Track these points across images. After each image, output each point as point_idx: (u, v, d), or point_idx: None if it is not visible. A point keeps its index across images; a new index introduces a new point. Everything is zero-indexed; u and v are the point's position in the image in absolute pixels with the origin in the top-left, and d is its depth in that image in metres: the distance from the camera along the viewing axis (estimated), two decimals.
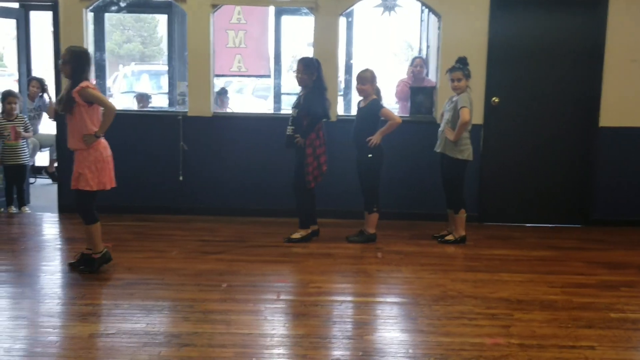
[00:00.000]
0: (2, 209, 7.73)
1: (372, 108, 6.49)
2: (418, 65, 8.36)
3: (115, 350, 4.03)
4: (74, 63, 5.28)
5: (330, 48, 7.49)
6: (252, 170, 7.58)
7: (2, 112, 7.67)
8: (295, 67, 6.50)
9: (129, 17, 25.73)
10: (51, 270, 5.58)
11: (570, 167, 7.58)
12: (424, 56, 9.35)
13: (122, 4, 9.21)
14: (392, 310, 4.82)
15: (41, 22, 16.83)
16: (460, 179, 6.59)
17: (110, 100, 5.99)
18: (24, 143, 7.79)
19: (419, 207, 7.63)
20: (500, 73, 7.42)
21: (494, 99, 7.46)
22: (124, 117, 7.67)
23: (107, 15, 10.03)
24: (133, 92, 15.31)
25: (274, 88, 10.49)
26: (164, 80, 18.79)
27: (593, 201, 7.58)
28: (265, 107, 14.30)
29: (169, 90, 10.70)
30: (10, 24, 8.49)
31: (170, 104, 9.97)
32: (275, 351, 4.10)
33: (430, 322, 4.58)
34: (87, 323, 4.46)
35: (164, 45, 16.42)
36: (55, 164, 9.49)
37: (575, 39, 7.44)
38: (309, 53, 7.62)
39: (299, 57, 6.56)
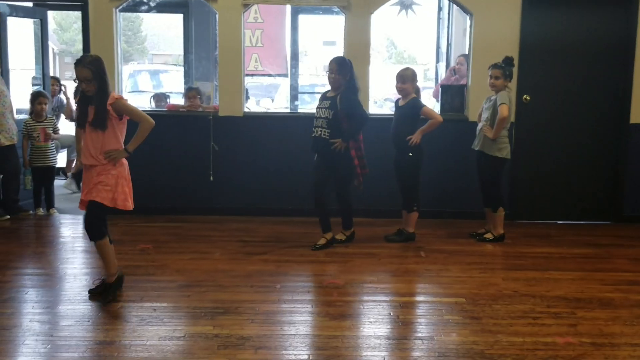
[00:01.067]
0: (31, 211, 7.63)
1: (412, 107, 6.44)
2: (460, 63, 8.34)
3: (191, 354, 3.99)
4: (100, 75, 4.61)
5: (362, 47, 7.47)
6: (283, 170, 7.53)
7: (31, 113, 7.57)
8: (328, 67, 6.20)
9: (124, 17, 25.47)
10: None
11: (602, 164, 7.60)
12: (452, 55, 9.36)
13: (143, 4, 9.10)
14: (454, 310, 4.79)
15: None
16: (498, 177, 6.59)
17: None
18: (52, 144, 7.70)
19: (452, 205, 7.62)
20: (531, 71, 7.42)
21: (525, 96, 7.46)
22: (155, 117, 7.62)
23: None
24: (139, 91, 15.24)
25: (291, 87, 10.45)
26: (164, 79, 18.76)
27: (624, 198, 7.60)
28: (272, 105, 14.25)
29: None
30: (29, 24, 8.39)
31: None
32: (351, 353, 4.06)
33: (496, 322, 4.56)
34: (153, 326, 4.41)
35: (148, 44, 16.40)
36: (74, 165, 9.43)
37: (606, 36, 7.45)
38: (331, 52, 7.58)
39: (331, 58, 6.25)
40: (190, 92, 8.04)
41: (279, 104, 14.00)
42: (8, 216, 7.33)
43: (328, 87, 6.35)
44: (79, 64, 4.59)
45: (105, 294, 4.81)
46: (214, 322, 4.49)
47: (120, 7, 7.46)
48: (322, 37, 11.44)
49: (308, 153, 7.05)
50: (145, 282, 5.30)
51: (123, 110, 4.68)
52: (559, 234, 7.12)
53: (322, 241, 6.31)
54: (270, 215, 7.52)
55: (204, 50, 10.60)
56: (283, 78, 11.33)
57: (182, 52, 11.00)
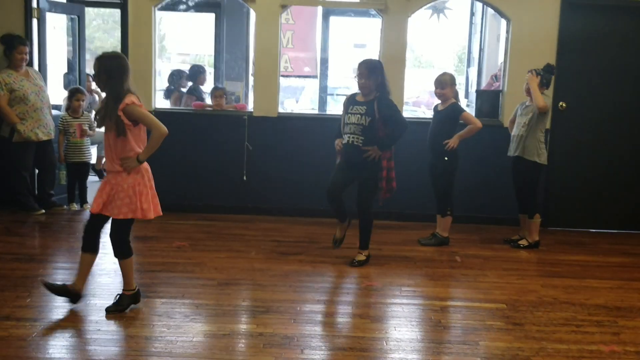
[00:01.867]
0: (65, 206, 7.68)
1: (452, 111, 6.45)
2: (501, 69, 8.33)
3: (238, 351, 4.00)
4: (106, 73, 4.38)
5: (399, 50, 7.48)
6: (316, 171, 7.52)
7: (68, 109, 7.62)
8: (357, 70, 5.77)
9: (109, 12, 25.37)
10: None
11: (636, 172, 7.55)
12: (484, 60, 9.34)
13: (181, 3, 9.16)
14: (495, 316, 4.78)
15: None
16: (536, 183, 6.58)
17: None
18: (88, 140, 7.75)
19: (485, 210, 7.61)
20: (569, 77, 7.39)
21: (561, 103, 7.44)
22: (190, 116, 7.70)
23: (109, 11, 9.97)
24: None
25: (320, 89, 10.45)
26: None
27: None
28: (296, 107, 14.26)
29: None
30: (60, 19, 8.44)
31: None
32: (397, 355, 4.07)
33: (539, 329, 4.55)
34: (197, 323, 4.44)
35: (166, 42, 16.37)
36: (103, 161, 9.48)
37: None
38: (362, 55, 7.57)
39: (360, 60, 5.83)
40: (217, 92, 8.06)
41: (304, 105, 14.01)
42: (43, 210, 7.38)
43: (352, 90, 6.21)
44: (97, 58, 4.48)
45: (117, 303, 4.56)
46: (257, 320, 4.52)
47: (160, 6, 7.50)
48: (353, 39, 11.44)
49: None
50: (185, 279, 5.32)
51: (134, 116, 4.34)
52: (592, 242, 7.09)
53: (361, 257, 5.94)
54: (301, 216, 7.54)
55: (235, 50, 10.67)
56: (312, 79, 11.31)
57: (200, 52, 10.98)
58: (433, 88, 6.66)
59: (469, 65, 10.36)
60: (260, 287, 5.22)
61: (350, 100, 5.83)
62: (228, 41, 10.50)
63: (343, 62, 11.44)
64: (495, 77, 8.78)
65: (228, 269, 5.62)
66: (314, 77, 10.63)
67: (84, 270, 4.60)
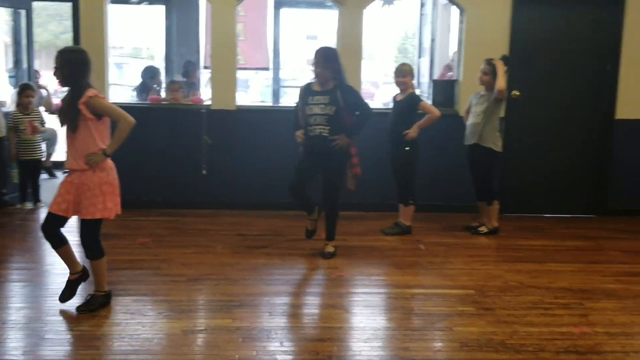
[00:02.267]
0: (18, 205, 7.49)
1: (410, 101, 6.51)
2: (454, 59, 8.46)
3: (217, 346, 3.98)
4: (68, 67, 4.25)
5: (355, 42, 7.52)
6: (276, 163, 7.52)
7: (18, 106, 7.43)
8: (312, 59, 5.63)
9: (65, 7, 25.01)
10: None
11: (588, 159, 7.79)
12: (436, 51, 9.46)
13: None
14: (466, 302, 4.87)
15: None
16: (493, 170, 6.71)
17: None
18: (39, 137, 7.57)
19: (443, 199, 7.72)
20: (520, 67, 7.54)
21: (514, 92, 7.57)
22: (149, 110, 7.58)
23: (42, 4, 9.79)
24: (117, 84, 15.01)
25: (274, 81, 10.44)
26: (127, 71, 18.52)
27: (609, 192, 7.79)
28: (245, 99, 14.20)
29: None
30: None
31: None
32: (375, 344, 4.11)
33: (509, 313, 4.66)
34: (172, 320, 4.39)
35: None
36: (52, 159, 9.29)
37: (593, 35, 7.64)
38: (312, 45, 7.57)
39: (316, 49, 5.69)
40: (173, 85, 7.98)
41: (254, 98, 13.97)
42: None
43: (304, 81, 6.06)
44: (58, 51, 4.34)
45: (88, 303, 4.45)
46: (233, 315, 4.49)
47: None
48: (305, 31, 11.45)
49: (299, 146, 7.06)
50: (153, 277, 5.27)
51: (99, 109, 4.20)
52: (549, 227, 7.28)
53: (330, 249, 5.89)
54: (263, 209, 7.53)
55: (184, 43, 10.56)
56: (264, 72, 11.29)
57: (137, 45, 10.82)
58: (373, 79, 6.75)
59: (420, 56, 10.46)
60: (231, 281, 5.19)
61: (308, 91, 5.68)
62: (179, 34, 10.39)
63: (295, 54, 11.44)
64: (449, 67, 8.91)
65: (196, 265, 5.57)
66: (267, 70, 10.59)
67: (69, 258, 4.54)
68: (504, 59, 6.62)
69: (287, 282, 5.24)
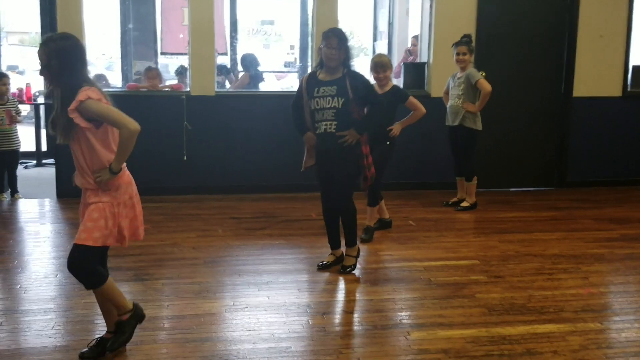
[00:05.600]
0: None
1: (394, 95, 5.98)
2: (414, 44, 8.77)
3: (267, 322, 4.15)
4: (60, 59, 3.37)
5: (331, 25, 7.66)
6: (256, 148, 7.69)
7: None
8: (324, 40, 4.88)
9: None
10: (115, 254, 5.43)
11: (547, 135, 8.28)
12: (395, 35, 9.76)
13: None
14: (475, 271, 5.20)
15: None
16: (474, 148, 7.06)
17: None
18: (16, 127, 7.46)
19: (416, 177, 8.05)
20: (486, 48, 7.93)
21: (481, 72, 7.94)
22: (127, 97, 7.57)
23: None
24: None
25: (231, 65, 10.52)
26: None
27: (568, 165, 8.32)
28: None
29: (123, 70, 10.49)
30: None
31: (126, 82, 9.71)
32: (411, 312, 4.38)
33: (520, 279, 5.01)
34: (209, 300, 4.52)
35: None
36: None
37: (553, 17, 8.11)
38: (269, 30, 7.73)
39: (328, 29, 5.00)
40: (150, 72, 8.00)
41: None
42: None
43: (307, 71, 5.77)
44: (41, 44, 3.45)
45: (118, 333, 3.64)
46: (265, 292, 4.66)
47: None
48: (261, 15, 11.53)
49: (280, 130, 7.28)
50: (171, 261, 5.37)
51: (94, 114, 3.33)
52: (518, 200, 7.73)
53: (350, 260, 5.19)
54: (245, 193, 7.67)
55: (140, 28, 10.48)
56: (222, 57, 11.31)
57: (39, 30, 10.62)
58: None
59: (375, 40, 10.74)
60: (247, 262, 5.35)
61: (314, 82, 4.97)
62: (135, 18, 10.30)
63: (250, 39, 11.52)
64: (409, 52, 9.22)
65: (206, 248, 5.70)
66: (224, 54, 10.64)
67: (116, 295, 3.65)
68: (466, 36, 6.97)
69: (301, 260, 5.44)
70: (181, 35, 11.21)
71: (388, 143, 6.04)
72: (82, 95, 3.30)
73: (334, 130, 4.90)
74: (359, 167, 5.07)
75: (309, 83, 5.01)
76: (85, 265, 3.48)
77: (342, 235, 5.22)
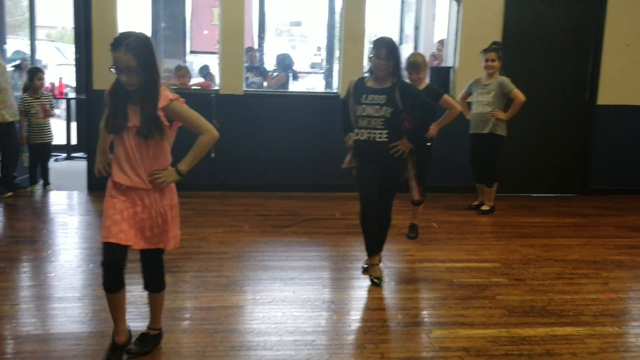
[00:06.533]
0: (28, 188, 7.57)
1: (429, 95, 5.64)
2: (439, 48, 8.87)
3: (292, 316, 4.28)
4: (143, 59, 3.25)
5: (359, 31, 7.85)
6: (282, 147, 7.84)
7: (28, 89, 7.49)
8: (373, 50, 4.79)
9: None
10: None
11: (571, 142, 8.36)
12: (421, 39, 9.86)
13: None
14: (496, 273, 5.30)
15: None
16: (501, 155, 7.12)
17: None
18: (49, 121, 7.66)
19: (439, 179, 8.13)
20: (512, 55, 8.00)
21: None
22: None
23: None
24: None
25: (260, 65, 10.67)
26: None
27: (591, 172, 8.38)
28: None
29: None
30: None
31: None
32: (434, 312, 4.49)
33: (540, 283, 5.10)
34: (236, 293, 4.66)
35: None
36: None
37: (579, 25, 8.18)
38: (297, 32, 7.86)
39: (377, 38, 4.92)
40: (180, 71, 8.17)
41: None
42: (10, 193, 7.26)
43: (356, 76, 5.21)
44: (117, 46, 3.21)
45: (141, 344, 3.67)
46: (290, 287, 4.79)
47: None
48: (289, 16, 11.68)
49: (305, 130, 7.43)
50: (199, 254, 5.51)
51: (179, 115, 3.38)
52: (539, 206, 7.80)
53: (377, 272, 5.03)
54: (271, 191, 7.81)
55: (171, 27, 10.67)
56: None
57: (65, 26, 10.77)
58: None
59: (401, 43, 10.85)
60: (272, 258, 5.49)
61: (361, 88, 4.88)
62: (166, 17, 10.49)
63: (278, 39, 11.68)
64: (434, 56, 9.33)
65: (233, 243, 5.84)
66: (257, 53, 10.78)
67: (120, 313, 3.60)
68: (496, 43, 7.03)
69: (325, 258, 5.57)
70: (205, 32, 11.42)
71: (429, 144, 6.03)
72: (170, 94, 3.32)
73: (386, 140, 4.79)
74: (410, 178, 5.11)
75: (356, 89, 4.91)
76: (163, 267, 3.69)
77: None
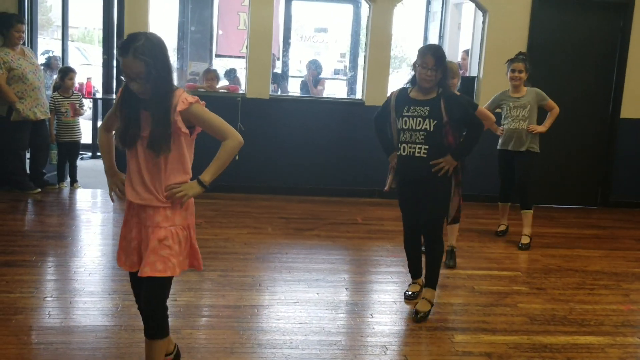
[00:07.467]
0: (57, 185, 7.71)
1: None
2: (463, 58, 8.95)
3: (317, 317, 4.36)
4: (156, 62, 2.91)
5: (385, 38, 7.93)
6: (305, 152, 7.94)
7: (58, 88, 7.64)
8: (419, 58, 4.38)
9: None
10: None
11: (593, 155, 8.38)
12: (445, 48, 9.91)
13: None
14: (517, 282, 5.35)
15: None
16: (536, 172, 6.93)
17: None
18: (78, 119, 7.80)
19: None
20: (536, 67, 8.02)
21: None
22: None
23: None
24: None
25: (282, 71, 10.77)
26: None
27: (612, 185, 8.41)
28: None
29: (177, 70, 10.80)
30: None
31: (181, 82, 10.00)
32: (457, 317, 4.57)
33: (561, 293, 5.16)
34: (262, 292, 4.76)
35: (53, 15, 15.61)
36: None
37: (603, 38, 8.22)
38: (322, 39, 7.96)
39: (423, 46, 4.57)
40: (209, 74, 8.28)
41: None
42: (39, 189, 7.40)
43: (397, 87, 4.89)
44: (125, 52, 2.86)
45: None
46: (314, 289, 4.88)
47: None
48: (314, 23, 11.79)
49: (328, 136, 7.52)
50: (224, 254, 5.61)
51: (200, 119, 3.02)
52: (561, 217, 7.84)
53: (425, 306, 4.55)
54: (292, 194, 7.92)
55: (199, 31, 10.80)
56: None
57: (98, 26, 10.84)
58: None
59: None
60: (296, 260, 5.58)
61: (404, 99, 4.50)
62: (194, 21, 10.63)
63: (303, 45, 11.80)
64: (460, 66, 9.37)
65: (257, 244, 5.94)
66: (277, 59, 10.89)
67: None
68: (523, 54, 6.91)
69: (348, 261, 5.66)
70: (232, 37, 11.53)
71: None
72: (189, 97, 2.96)
73: (425, 155, 4.40)
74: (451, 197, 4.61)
75: (398, 100, 4.53)
76: (162, 305, 3.06)
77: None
